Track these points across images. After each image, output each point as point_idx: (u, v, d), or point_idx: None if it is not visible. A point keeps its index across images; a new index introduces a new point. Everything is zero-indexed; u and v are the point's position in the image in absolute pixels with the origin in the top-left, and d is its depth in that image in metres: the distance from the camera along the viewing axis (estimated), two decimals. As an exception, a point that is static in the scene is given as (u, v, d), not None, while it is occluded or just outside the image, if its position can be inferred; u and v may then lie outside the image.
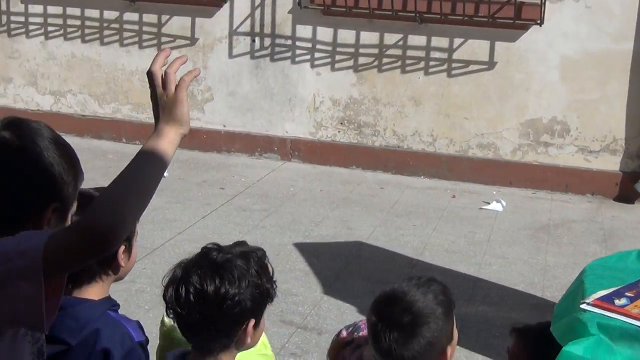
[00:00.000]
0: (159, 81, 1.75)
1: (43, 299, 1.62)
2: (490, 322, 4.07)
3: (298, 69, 6.83)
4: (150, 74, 1.77)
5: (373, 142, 6.80)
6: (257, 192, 6.15)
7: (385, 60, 6.56)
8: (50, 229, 1.74)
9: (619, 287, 2.30)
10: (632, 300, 2.20)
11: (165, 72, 1.74)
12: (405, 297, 2.08)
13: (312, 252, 5.01)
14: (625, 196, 6.28)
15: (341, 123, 6.83)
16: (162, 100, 1.73)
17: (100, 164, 6.25)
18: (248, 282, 2.01)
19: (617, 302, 2.20)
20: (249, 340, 2.08)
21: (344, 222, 5.58)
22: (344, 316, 4.04)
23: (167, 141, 1.69)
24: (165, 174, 5.23)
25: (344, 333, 2.57)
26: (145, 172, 1.67)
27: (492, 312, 4.19)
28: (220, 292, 1.98)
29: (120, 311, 2.90)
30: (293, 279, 4.60)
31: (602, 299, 2.21)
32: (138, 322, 2.51)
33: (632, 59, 6.09)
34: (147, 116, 7.16)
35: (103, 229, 1.57)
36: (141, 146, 1.65)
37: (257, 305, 2.03)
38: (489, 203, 5.96)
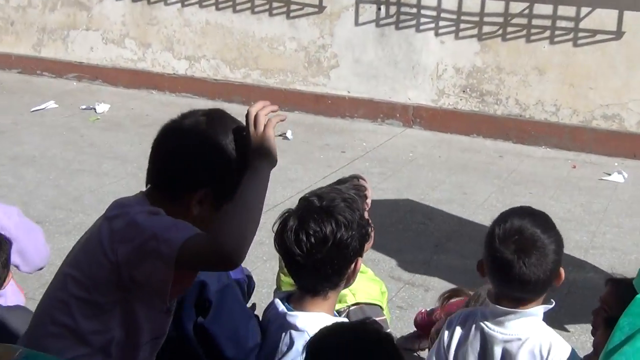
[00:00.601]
0: (251, 120, 2.05)
1: (170, 283, 1.87)
2: (597, 288, 4.04)
3: (422, 37, 6.83)
4: (247, 114, 2.08)
5: (495, 110, 6.75)
6: (376, 156, 6.22)
7: (509, 29, 6.47)
8: (194, 214, 2.01)
9: None
10: None
11: (257, 114, 2.05)
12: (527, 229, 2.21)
13: (426, 214, 5.08)
14: None
15: (463, 91, 6.82)
16: (253, 138, 2.02)
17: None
18: (356, 224, 2.18)
19: None
20: (354, 277, 2.27)
21: (460, 188, 5.61)
22: (453, 275, 4.09)
23: (260, 177, 1.96)
24: (290, 136, 5.53)
25: None
26: (251, 204, 1.90)
27: (601, 279, 4.16)
28: (337, 234, 2.13)
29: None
30: (405, 239, 4.70)
31: None
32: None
33: None
34: (275, 81, 7.39)
35: (230, 254, 1.85)
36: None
37: (361, 245, 2.21)
38: (609, 174, 5.83)
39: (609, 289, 2.54)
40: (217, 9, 7.50)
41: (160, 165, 2.05)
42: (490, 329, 2.19)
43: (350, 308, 2.69)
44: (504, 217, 2.29)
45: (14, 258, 3.16)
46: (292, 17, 7.23)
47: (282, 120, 2.18)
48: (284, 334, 2.18)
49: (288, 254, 2.19)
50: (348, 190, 2.61)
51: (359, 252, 2.23)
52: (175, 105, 7.02)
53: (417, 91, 6.95)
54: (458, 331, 2.27)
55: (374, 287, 2.75)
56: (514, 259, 2.13)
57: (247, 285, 2.76)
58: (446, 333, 2.29)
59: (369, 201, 2.75)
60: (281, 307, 2.22)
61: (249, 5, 7.37)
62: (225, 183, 2.03)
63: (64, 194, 5.12)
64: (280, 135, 6.49)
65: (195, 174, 2.02)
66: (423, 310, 3.60)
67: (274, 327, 2.25)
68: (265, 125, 2.04)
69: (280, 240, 2.20)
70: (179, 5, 7.63)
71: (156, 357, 2.31)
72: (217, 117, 2.13)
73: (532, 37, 6.44)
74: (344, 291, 2.45)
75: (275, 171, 6.31)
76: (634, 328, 1.88)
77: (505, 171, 6.00)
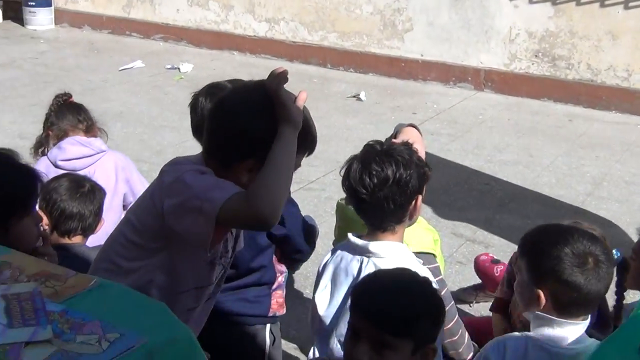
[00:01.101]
0: (272, 88, 2.03)
1: (210, 237, 1.96)
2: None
3: (496, 1, 6.79)
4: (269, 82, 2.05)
5: (566, 75, 6.69)
6: (446, 118, 6.26)
7: None
8: (243, 182, 2.04)
9: None
10: None
11: (271, 84, 2.02)
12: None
13: (491, 175, 5.12)
14: None
15: (535, 55, 6.77)
16: (276, 105, 2.01)
17: (304, 87, 6.63)
18: (415, 164, 2.31)
19: None
20: (416, 214, 2.40)
21: (527, 150, 5.60)
22: (514, 235, 4.06)
23: (285, 141, 1.98)
24: (363, 97, 5.67)
25: None
26: (279, 167, 1.96)
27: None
28: (397, 173, 2.27)
29: (310, 214, 3.36)
30: (469, 197, 4.78)
31: None
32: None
33: None
34: (351, 44, 7.47)
35: (265, 217, 1.92)
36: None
37: (420, 184, 2.33)
38: (679, 139, 5.79)
39: None
40: (297, -28, 7.60)
41: (213, 137, 2.10)
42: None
43: None
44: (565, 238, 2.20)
45: (123, 186, 3.33)
46: (369, -19, 7.29)
47: (284, 76, 2.08)
48: (361, 260, 2.31)
49: (354, 194, 2.32)
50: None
51: (419, 190, 2.34)
52: (255, 67, 7.24)
53: (489, 55, 6.93)
54: None
55: (427, 236, 2.79)
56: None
57: (312, 233, 2.93)
58: None
59: (420, 149, 2.88)
60: (354, 239, 2.34)
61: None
62: (262, 155, 2.04)
63: (148, 148, 5.33)
64: (354, 97, 6.62)
65: (244, 146, 2.05)
66: (487, 257, 3.63)
67: (349, 258, 2.36)
68: (280, 93, 2.03)
69: (347, 181, 2.34)
70: (261, -31, 7.75)
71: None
72: (260, 92, 2.10)
73: (607, 2, 6.34)
74: None
75: (347, 130, 6.49)
76: None
77: (574, 135, 5.97)
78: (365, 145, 2.40)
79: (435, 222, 4.35)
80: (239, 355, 2.65)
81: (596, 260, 2.11)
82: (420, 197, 2.37)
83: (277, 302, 2.67)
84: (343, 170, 2.37)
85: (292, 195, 2.60)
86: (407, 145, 2.41)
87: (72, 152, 3.20)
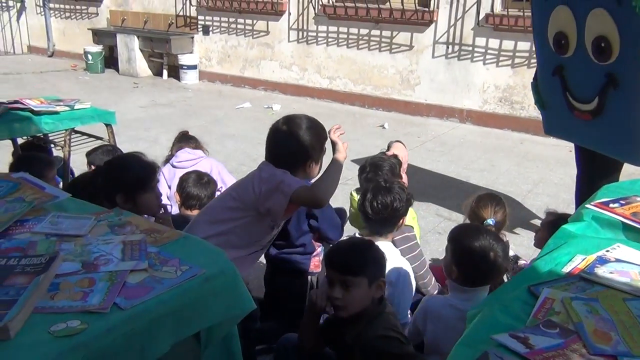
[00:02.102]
0: (333, 138, 2.16)
1: (285, 208, 2.02)
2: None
3: (475, 66, 6.67)
4: (329, 135, 2.19)
5: (520, 113, 6.51)
6: (440, 140, 6.16)
7: (532, 61, 6.19)
8: (306, 179, 2.17)
9: (619, 197, 2.10)
10: (622, 205, 2.02)
11: (330, 135, 2.17)
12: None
13: (465, 177, 5.01)
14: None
15: (500, 100, 6.61)
16: (334, 146, 2.15)
17: (350, 120, 6.61)
18: (405, 198, 2.36)
19: (611, 205, 2.02)
20: (401, 226, 2.44)
21: (490, 162, 5.47)
22: None
23: (337, 165, 2.10)
24: (386, 127, 5.58)
25: None
26: (332, 175, 2.08)
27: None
28: (394, 204, 2.32)
29: (344, 203, 3.27)
30: (449, 191, 4.64)
31: (601, 202, 2.06)
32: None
33: None
34: (381, 93, 7.38)
35: (321, 201, 2.04)
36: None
37: (407, 210, 2.38)
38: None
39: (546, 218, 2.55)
40: (348, 47, 7.57)
41: (279, 151, 2.16)
42: None
43: None
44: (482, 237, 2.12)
45: (217, 177, 3.27)
46: (393, 52, 7.23)
47: (342, 133, 2.21)
48: None
49: (366, 213, 2.36)
50: (390, 158, 2.75)
51: (405, 213, 2.39)
52: (321, 107, 7.25)
53: (469, 100, 6.81)
54: None
55: (409, 215, 2.78)
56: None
57: (343, 217, 2.95)
58: None
59: (403, 155, 2.86)
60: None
61: (366, 45, 7.41)
62: (317, 154, 2.19)
63: (249, 157, 5.34)
64: (380, 126, 6.60)
65: (305, 153, 2.15)
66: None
67: None
68: (337, 142, 2.16)
69: (362, 206, 2.38)
70: (325, 45, 7.76)
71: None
72: (304, 119, 2.20)
73: (548, 66, 6.15)
74: None
75: (375, 147, 6.37)
76: (556, 245, 1.92)
77: (523, 152, 5.81)
78: (374, 181, 2.44)
79: (425, 207, 4.30)
80: (291, 293, 2.64)
81: (495, 254, 2.05)
82: (404, 218, 2.40)
83: (314, 264, 2.67)
84: (359, 197, 2.41)
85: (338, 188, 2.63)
86: (402, 184, 2.44)
87: (182, 157, 3.25)
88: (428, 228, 3.95)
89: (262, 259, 2.65)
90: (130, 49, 9.26)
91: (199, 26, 8.89)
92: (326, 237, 2.63)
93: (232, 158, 5.26)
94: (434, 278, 2.68)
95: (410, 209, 2.93)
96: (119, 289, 1.32)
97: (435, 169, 5.21)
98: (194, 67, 8.95)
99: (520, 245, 3.63)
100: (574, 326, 1.35)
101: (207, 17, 8.78)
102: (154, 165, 2.26)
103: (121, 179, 2.09)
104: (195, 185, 2.87)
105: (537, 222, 4.07)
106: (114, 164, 2.22)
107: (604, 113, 3.02)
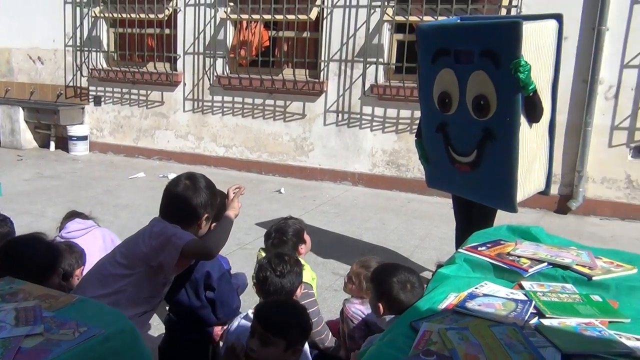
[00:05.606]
0: (229, 195, 2.33)
1: (176, 260, 2.04)
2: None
3: (363, 132, 7.07)
4: (227, 191, 2.35)
5: (406, 175, 6.92)
6: (334, 202, 6.38)
7: (414, 127, 6.61)
8: (200, 232, 2.21)
9: (486, 241, 2.34)
10: (488, 248, 2.26)
11: (229, 191, 2.33)
12: None
13: (359, 236, 5.21)
14: (560, 210, 6.21)
15: (387, 164, 7.01)
16: (227, 203, 2.29)
17: (247, 186, 6.67)
18: (296, 272, 2.39)
19: (479, 248, 2.25)
20: (299, 295, 2.44)
21: (381, 221, 5.73)
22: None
23: (228, 221, 2.23)
24: (283, 191, 5.71)
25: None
26: (224, 229, 2.18)
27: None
28: (284, 279, 2.34)
29: (244, 267, 3.22)
30: (344, 250, 4.79)
31: (471, 246, 2.28)
32: (226, 258, 2.87)
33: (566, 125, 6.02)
34: (277, 159, 7.53)
35: (210, 252, 2.09)
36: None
37: (299, 283, 2.39)
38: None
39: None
40: (243, 116, 7.74)
41: (174, 210, 2.20)
42: None
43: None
44: (390, 273, 2.25)
45: (110, 244, 3.10)
46: (287, 121, 7.48)
47: (242, 194, 2.38)
48: None
49: (261, 285, 2.36)
50: (294, 233, 2.84)
51: (299, 285, 2.42)
52: (217, 175, 7.27)
53: (360, 164, 7.14)
54: None
55: (309, 274, 2.80)
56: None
57: (242, 280, 2.99)
58: None
59: (307, 240, 2.94)
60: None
61: (261, 114, 7.63)
62: (211, 213, 2.24)
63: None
64: (277, 191, 6.74)
65: (200, 211, 2.20)
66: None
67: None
68: (233, 197, 2.30)
69: (257, 281, 2.39)
70: (220, 114, 7.88)
71: (181, 317, 2.46)
72: (197, 178, 2.28)
73: (427, 132, 6.63)
74: None
75: (272, 211, 6.41)
76: (434, 287, 2.09)
77: (410, 210, 6.14)
78: (265, 273, 2.37)
79: (322, 266, 4.43)
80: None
81: (412, 285, 2.20)
82: (301, 287, 2.44)
83: (216, 333, 2.58)
84: (256, 272, 2.39)
85: (235, 253, 2.58)
86: (297, 269, 2.44)
87: (72, 227, 3.15)
88: (325, 286, 4.05)
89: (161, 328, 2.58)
90: (15, 120, 8.86)
91: (90, 97, 8.73)
92: (215, 314, 2.55)
93: (126, 229, 5.03)
94: (330, 333, 2.76)
95: (310, 270, 3.01)
96: (13, 355, 1.31)
97: (331, 229, 5.39)
98: (84, 138, 8.71)
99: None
100: (449, 352, 1.52)
101: (98, 88, 8.65)
102: (55, 247, 2.18)
103: (23, 270, 1.90)
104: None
105: (425, 274, 4.33)
106: (11, 254, 2.00)
107: (481, 165, 3.38)
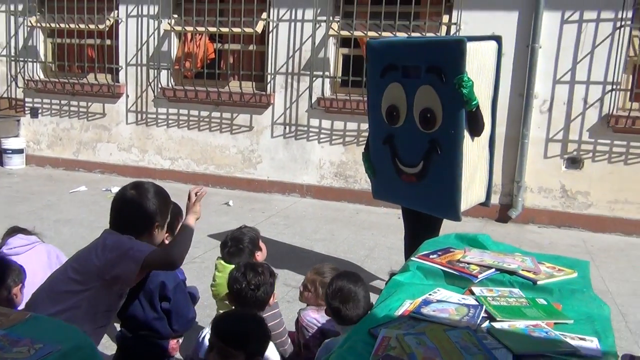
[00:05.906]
0: (190, 197, 2.28)
1: (135, 273, 2.01)
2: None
3: (311, 144, 7.12)
4: (189, 193, 2.30)
5: (354, 186, 7.00)
6: (283, 214, 6.38)
7: (361, 139, 6.75)
8: (158, 242, 2.17)
9: (437, 249, 2.42)
10: (439, 256, 2.33)
11: (190, 193, 2.29)
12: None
13: (309, 247, 5.24)
14: (501, 218, 6.46)
15: (335, 175, 7.08)
16: (188, 206, 2.25)
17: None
18: (270, 283, 2.46)
19: (431, 256, 2.32)
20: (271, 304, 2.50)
21: (331, 232, 5.78)
22: None
23: (190, 226, 2.18)
24: (231, 204, 5.66)
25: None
26: (186, 237, 2.13)
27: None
28: (260, 295, 2.39)
29: (194, 280, 3.17)
30: (295, 261, 4.81)
31: (423, 254, 2.35)
32: (181, 269, 2.83)
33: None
34: (224, 171, 7.48)
35: (175, 262, 2.04)
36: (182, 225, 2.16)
37: (272, 293, 2.47)
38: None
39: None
40: (189, 128, 7.65)
41: (122, 221, 2.16)
42: None
43: None
44: (331, 281, 2.35)
45: (55, 261, 3.01)
46: (234, 133, 7.44)
47: (203, 195, 2.33)
48: None
49: (234, 294, 2.40)
50: (250, 241, 2.85)
51: (272, 295, 2.48)
52: (164, 188, 7.14)
53: (308, 176, 7.18)
54: None
55: None
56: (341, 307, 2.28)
57: (194, 293, 2.92)
58: None
59: (262, 248, 2.96)
60: None
61: (207, 126, 7.56)
62: (163, 220, 2.21)
63: (86, 242, 5.08)
64: (225, 204, 6.68)
65: (152, 219, 2.16)
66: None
67: None
68: (195, 200, 2.25)
69: (231, 292, 2.43)
70: (165, 126, 7.76)
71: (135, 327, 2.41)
72: (144, 186, 2.25)
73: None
74: None
75: (221, 224, 6.33)
76: (389, 294, 2.14)
77: (359, 221, 6.21)
78: (237, 283, 2.42)
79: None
80: None
81: (356, 297, 2.28)
82: (274, 295, 2.52)
83: (172, 346, 2.57)
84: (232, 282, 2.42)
85: (184, 266, 2.54)
86: (270, 282, 2.50)
87: (15, 243, 3.03)
88: (278, 297, 4.03)
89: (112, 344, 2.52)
90: (-57, 133, 8.39)
91: (27, 108, 8.39)
92: (170, 325, 2.53)
93: (69, 244, 4.89)
94: (289, 340, 2.78)
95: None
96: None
97: (282, 240, 5.40)
98: (20, 151, 8.35)
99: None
100: (408, 357, 1.57)
101: (35, 99, 8.33)
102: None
103: None
104: None
105: (376, 284, 4.41)
106: None
107: (427, 175, 3.50)
